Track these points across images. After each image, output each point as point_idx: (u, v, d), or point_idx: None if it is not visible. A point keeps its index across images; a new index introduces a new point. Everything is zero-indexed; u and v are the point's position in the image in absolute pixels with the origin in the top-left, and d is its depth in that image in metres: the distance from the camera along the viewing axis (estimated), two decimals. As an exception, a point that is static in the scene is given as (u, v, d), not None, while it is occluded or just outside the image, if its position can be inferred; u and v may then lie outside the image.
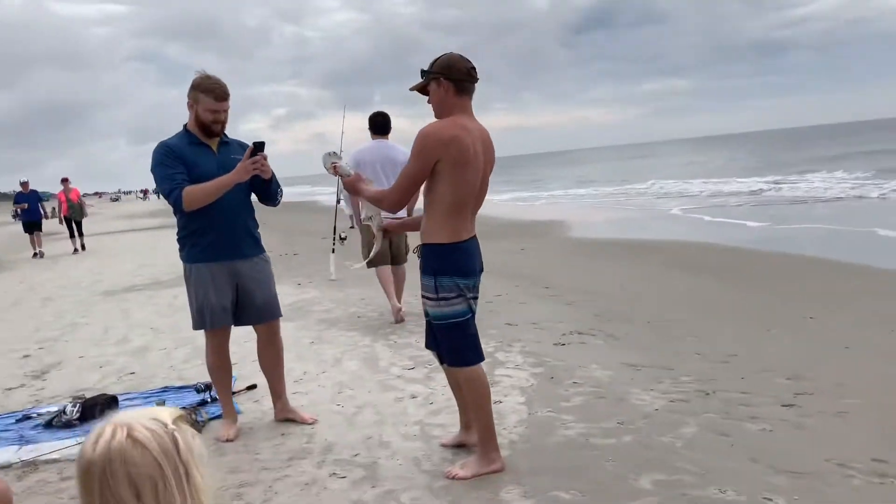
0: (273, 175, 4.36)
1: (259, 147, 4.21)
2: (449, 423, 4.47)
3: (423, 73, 3.42)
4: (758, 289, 8.50)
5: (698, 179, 31.74)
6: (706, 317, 7.15)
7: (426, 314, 3.56)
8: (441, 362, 3.70)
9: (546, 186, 40.18)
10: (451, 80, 3.31)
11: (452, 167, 3.25)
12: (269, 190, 4.42)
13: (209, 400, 5.20)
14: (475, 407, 3.66)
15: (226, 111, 4.32)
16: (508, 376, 5.39)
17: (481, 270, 3.58)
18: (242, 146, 4.50)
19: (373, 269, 7.53)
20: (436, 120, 3.37)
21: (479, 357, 3.53)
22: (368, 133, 7.58)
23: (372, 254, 4.30)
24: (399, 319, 7.34)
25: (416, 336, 6.75)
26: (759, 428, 4.15)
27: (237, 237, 4.38)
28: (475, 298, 3.50)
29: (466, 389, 3.65)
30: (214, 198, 4.20)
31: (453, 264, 3.35)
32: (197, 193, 4.16)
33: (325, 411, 4.90)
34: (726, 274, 9.58)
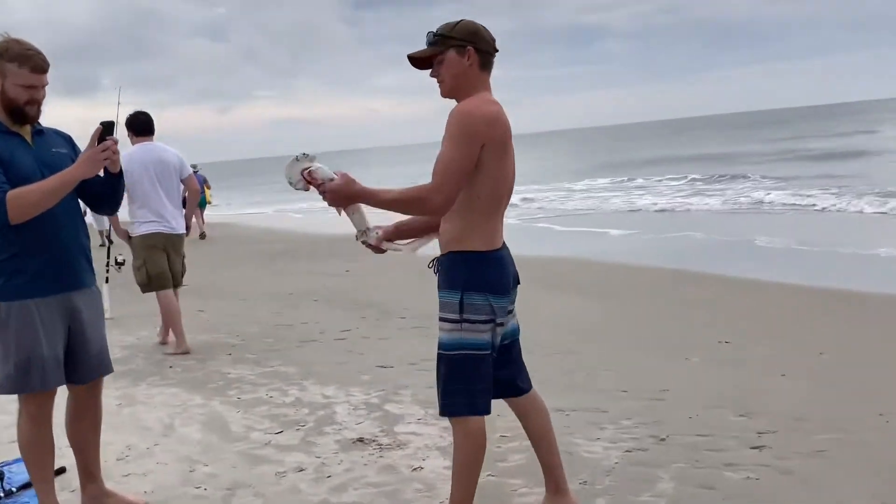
0: (121, 168, 3.85)
1: (108, 129, 3.65)
2: (364, 502, 4.05)
3: (434, 37, 3.29)
4: (650, 309, 8.79)
5: (532, 185, 31.70)
6: (608, 345, 7.25)
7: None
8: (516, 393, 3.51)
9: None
10: (479, 50, 3.22)
11: (494, 155, 3.15)
12: (115, 189, 3.90)
13: (14, 490, 4.41)
14: (462, 474, 3.37)
15: (44, 87, 3.74)
16: (416, 434, 5.04)
17: (517, 283, 3.46)
18: (62, 136, 3.95)
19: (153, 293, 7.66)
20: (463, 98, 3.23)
21: (487, 407, 3.34)
22: (128, 135, 7.59)
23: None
24: (186, 350, 7.52)
25: (265, 388, 6.27)
26: (743, 476, 4.16)
27: (73, 260, 3.79)
28: (502, 325, 3.35)
29: (461, 448, 3.36)
30: (53, 203, 3.60)
31: (488, 278, 3.22)
32: (29, 197, 3.52)
33: (182, 497, 4.27)
34: (606, 293, 9.76)
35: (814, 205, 18.24)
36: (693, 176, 30.37)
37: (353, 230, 3.56)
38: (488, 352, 3.25)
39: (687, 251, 13.26)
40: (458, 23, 3.27)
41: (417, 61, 3.32)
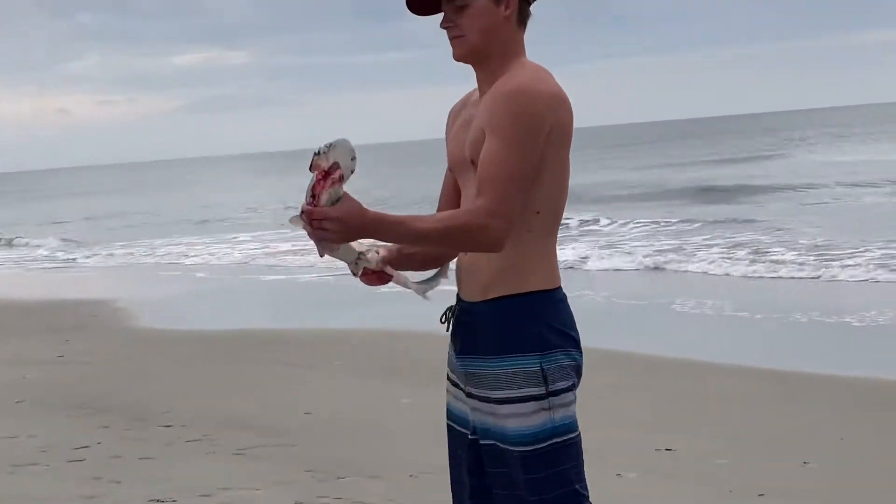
0: None
1: None
2: None
3: None
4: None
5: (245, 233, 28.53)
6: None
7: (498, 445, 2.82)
8: None
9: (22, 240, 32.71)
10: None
11: (557, 149, 2.78)
12: None
13: None
14: None
15: None
16: None
17: None
18: None
19: None
20: (524, 70, 2.79)
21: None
22: None
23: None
24: None
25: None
26: None
27: None
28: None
29: None
30: None
31: (568, 328, 2.82)
32: None
33: None
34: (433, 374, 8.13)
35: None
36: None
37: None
38: (578, 430, 2.93)
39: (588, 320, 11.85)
40: None
41: (421, 1, 2.86)
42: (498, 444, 2.83)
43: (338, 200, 2.64)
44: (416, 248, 2.98)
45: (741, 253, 15.95)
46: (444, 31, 2.87)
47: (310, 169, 2.64)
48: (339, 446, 6.56)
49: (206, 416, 7.56)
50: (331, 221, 2.65)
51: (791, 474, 5.70)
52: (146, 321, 13.89)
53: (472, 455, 2.94)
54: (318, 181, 2.59)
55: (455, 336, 2.92)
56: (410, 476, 5.71)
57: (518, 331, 2.82)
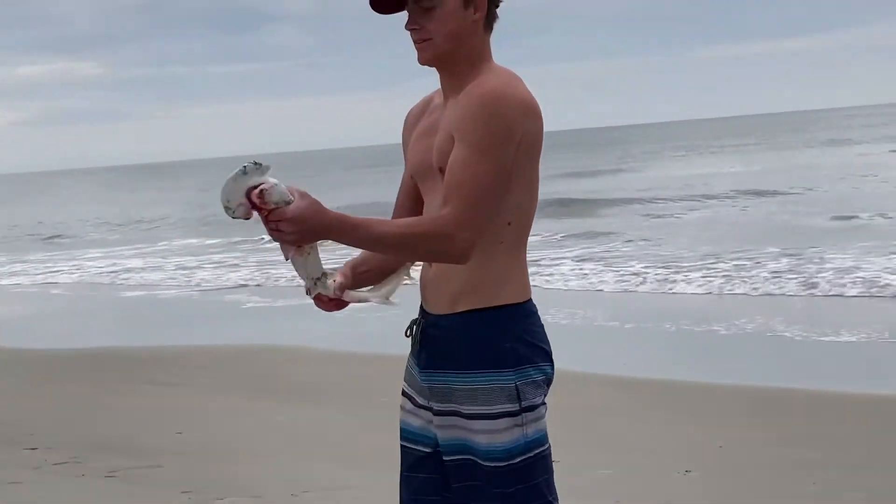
0: None
1: None
2: None
3: None
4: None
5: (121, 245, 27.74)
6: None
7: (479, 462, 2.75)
8: None
9: None
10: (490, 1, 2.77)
11: (528, 158, 2.70)
12: None
13: None
14: None
15: None
16: None
17: None
18: None
19: None
20: (492, 73, 2.72)
21: None
22: None
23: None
24: None
25: None
26: None
27: None
28: None
29: None
30: None
31: (540, 341, 2.76)
32: None
33: None
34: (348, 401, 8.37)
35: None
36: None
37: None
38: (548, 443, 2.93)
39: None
40: None
41: (385, 1, 2.76)
42: (468, 458, 2.74)
43: (287, 203, 2.53)
44: (370, 263, 2.87)
45: (595, 266, 16.23)
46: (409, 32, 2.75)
47: (232, 217, 2.58)
48: (214, 466, 6.44)
49: (73, 438, 7.30)
50: (286, 223, 2.53)
51: (674, 483, 5.71)
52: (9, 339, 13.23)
53: (433, 471, 2.84)
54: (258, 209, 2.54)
55: (420, 350, 2.81)
56: (292, 495, 5.64)
57: (492, 346, 2.74)
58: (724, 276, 13.84)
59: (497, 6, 2.76)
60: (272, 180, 2.57)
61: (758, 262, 14.48)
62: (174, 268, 21.21)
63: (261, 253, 21.28)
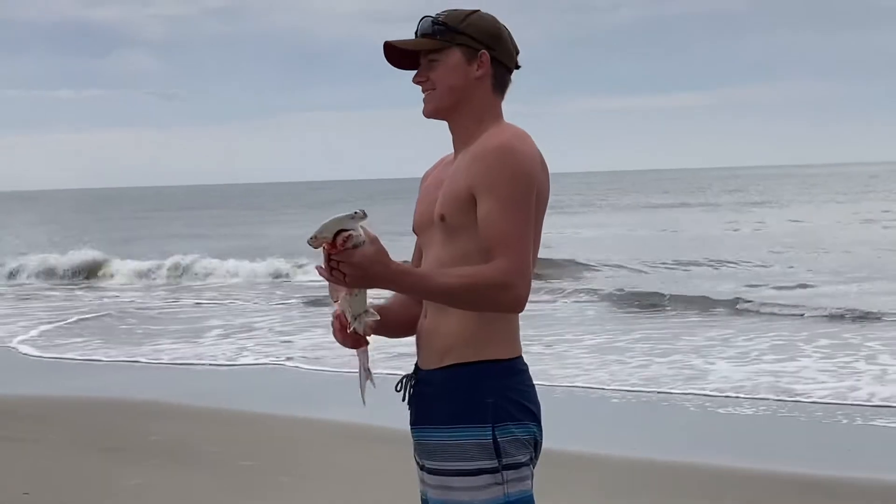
0: None
1: None
2: None
3: (435, 25, 2.76)
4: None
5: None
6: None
7: None
8: None
9: None
10: (495, 61, 2.77)
11: (538, 213, 2.78)
12: None
13: None
14: None
15: None
16: None
17: None
18: None
19: None
20: (500, 128, 2.77)
21: None
22: None
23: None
24: None
25: None
26: None
27: None
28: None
29: None
30: None
31: (526, 399, 2.72)
32: None
33: None
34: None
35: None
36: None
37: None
38: None
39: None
40: (470, 13, 2.83)
41: (399, 55, 2.81)
42: None
43: (360, 244, 2.55)
44: (393, 312, 2.85)
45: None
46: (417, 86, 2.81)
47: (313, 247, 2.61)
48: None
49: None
50: (349, 265, 2.53)
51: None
52: None
53: None
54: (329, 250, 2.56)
55: (410, 406, 2.79)
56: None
57: (471, 400, 2.71)
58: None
59: (510, 72, 2.81)
60: (360, 229, 2.63)
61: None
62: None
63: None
